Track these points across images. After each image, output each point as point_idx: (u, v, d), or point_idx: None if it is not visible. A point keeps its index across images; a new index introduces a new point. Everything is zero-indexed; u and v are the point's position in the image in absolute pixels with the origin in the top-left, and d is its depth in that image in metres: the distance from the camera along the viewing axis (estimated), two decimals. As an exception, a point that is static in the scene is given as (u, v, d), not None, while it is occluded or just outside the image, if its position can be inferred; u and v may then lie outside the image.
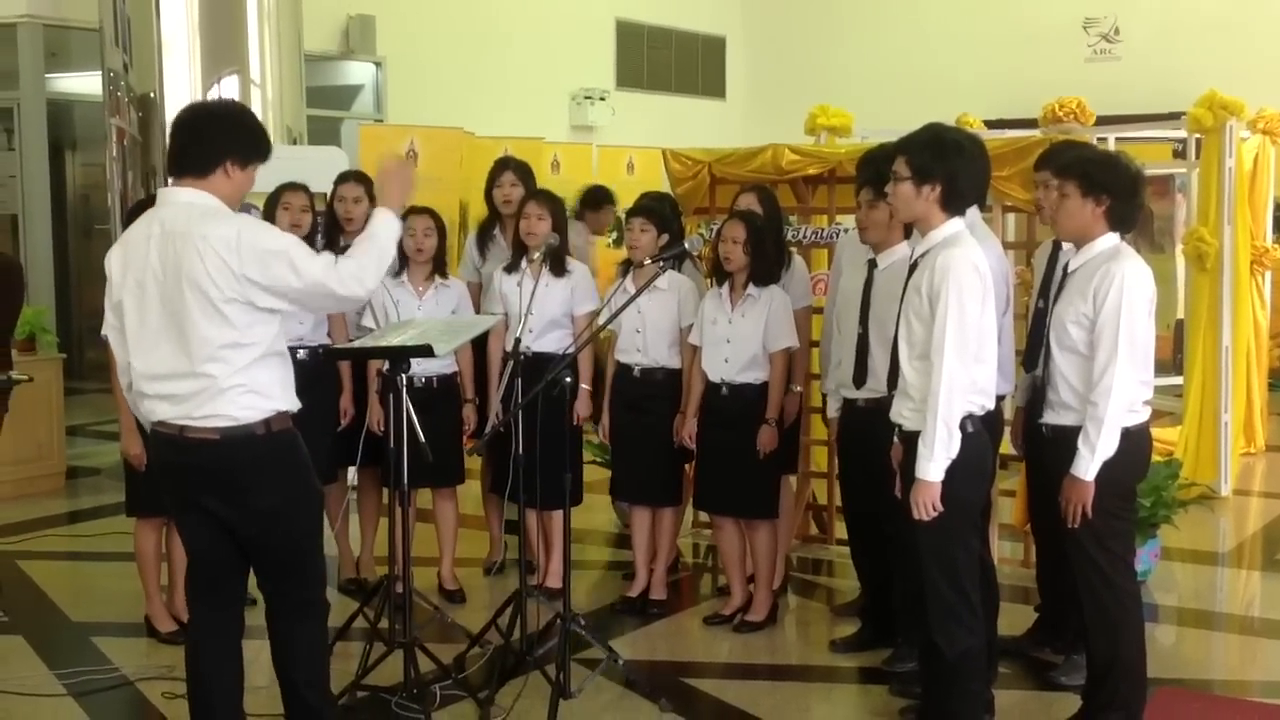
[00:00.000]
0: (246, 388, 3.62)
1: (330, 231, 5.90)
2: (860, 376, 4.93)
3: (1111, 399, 4.08)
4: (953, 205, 4.01)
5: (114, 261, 3.73)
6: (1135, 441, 4.21)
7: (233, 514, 3.71)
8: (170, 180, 3.78)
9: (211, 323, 3.56)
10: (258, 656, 4.12)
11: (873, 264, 4.88)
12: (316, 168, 6.71)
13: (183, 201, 3.67)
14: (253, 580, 3.95)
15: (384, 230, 3.76)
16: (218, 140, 3.70)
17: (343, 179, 6.06)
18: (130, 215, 5.36)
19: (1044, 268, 5.09)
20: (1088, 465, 4.11)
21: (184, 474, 3.71)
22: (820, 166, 6.53)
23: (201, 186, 3.67)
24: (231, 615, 3.92)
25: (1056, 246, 5.02)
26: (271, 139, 3.94)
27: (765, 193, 5.83)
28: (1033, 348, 4.89)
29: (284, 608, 3.87)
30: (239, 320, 3.58)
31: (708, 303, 5.52)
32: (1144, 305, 4.17)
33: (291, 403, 3.76)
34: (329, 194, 6.06)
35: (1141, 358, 4.18)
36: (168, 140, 3.99)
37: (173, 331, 3.60)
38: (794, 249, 6.16)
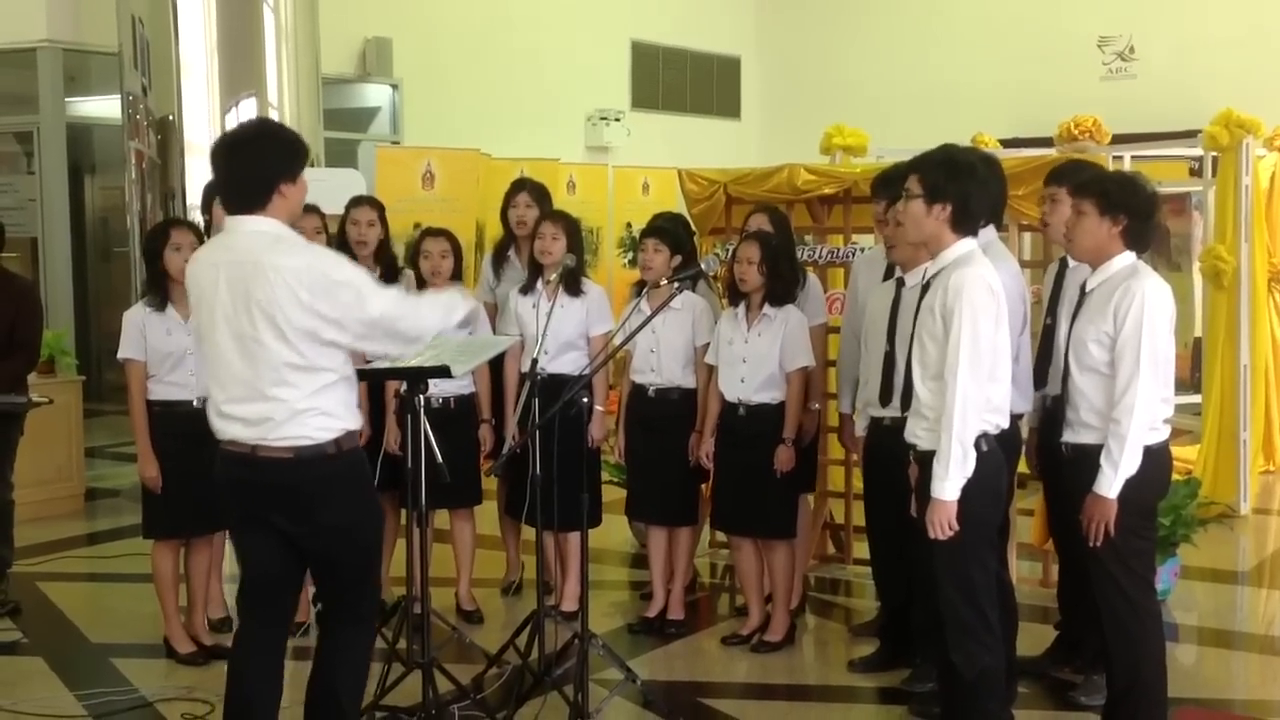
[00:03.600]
0: (318, 410, 3.70)
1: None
2: (886, 395, 4.93)
3: (1134, 416, 4.08)
4: (963, 226, 4.03)
5: (190, 287, 3.85)
6: (1156, 460, 4.20)
7: (301, 530, 3.78)
8: (227, 213, 3.84)
9: (281, 348, 3.63)
10: (289, 678, 4.14)
11: (900, 282, 4.87)
12: (334, 190, 6.72)
13: (249, 230, 3.74)
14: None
15: (457, 304, 3.94)
16: (262, 171, 3.75)
17: (355, 203, 6.03)
18: (150, 239, 5.38)
19: (1052, 285, 5.08)
20: (1111, 483, 4.10)
21: (253, 491, 3.78)
22: (836, 186, 6.53)
23: (263, 214, 3.74)
24: (278, 633, 3.98)
25: (1064, 264, 5.01)
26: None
27: (776, 213, 5.84)
28: (1041, 365, 4.88)
29: (340, 621, 3.95)
30: (307, 350, 3.65)
31: (724, 323, 5.52)
32: (1165, 322, 4.17)
33: (357, 421, 3.85)
34: (341, 218, 6.06)
35: (1163, 375, 4.18)
36: (211, 174, 4.03)
37: (243, 357, 3.67)
38: (810, 268, 6.16)
